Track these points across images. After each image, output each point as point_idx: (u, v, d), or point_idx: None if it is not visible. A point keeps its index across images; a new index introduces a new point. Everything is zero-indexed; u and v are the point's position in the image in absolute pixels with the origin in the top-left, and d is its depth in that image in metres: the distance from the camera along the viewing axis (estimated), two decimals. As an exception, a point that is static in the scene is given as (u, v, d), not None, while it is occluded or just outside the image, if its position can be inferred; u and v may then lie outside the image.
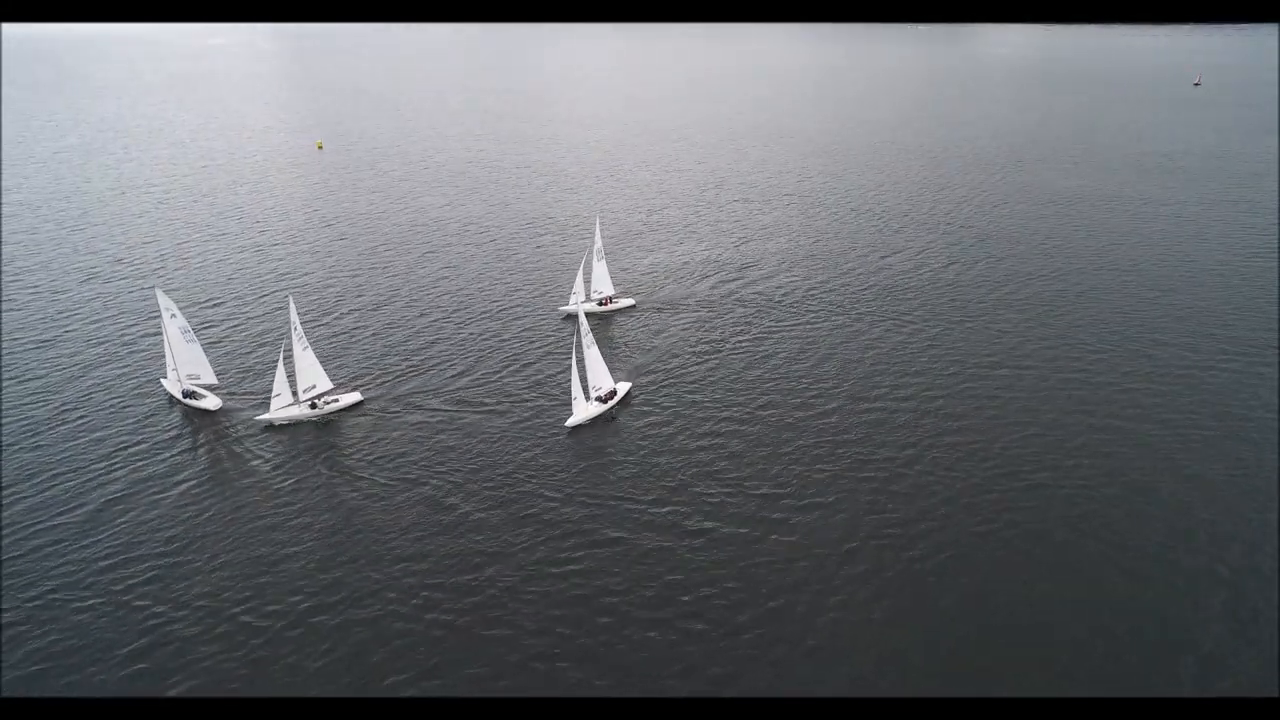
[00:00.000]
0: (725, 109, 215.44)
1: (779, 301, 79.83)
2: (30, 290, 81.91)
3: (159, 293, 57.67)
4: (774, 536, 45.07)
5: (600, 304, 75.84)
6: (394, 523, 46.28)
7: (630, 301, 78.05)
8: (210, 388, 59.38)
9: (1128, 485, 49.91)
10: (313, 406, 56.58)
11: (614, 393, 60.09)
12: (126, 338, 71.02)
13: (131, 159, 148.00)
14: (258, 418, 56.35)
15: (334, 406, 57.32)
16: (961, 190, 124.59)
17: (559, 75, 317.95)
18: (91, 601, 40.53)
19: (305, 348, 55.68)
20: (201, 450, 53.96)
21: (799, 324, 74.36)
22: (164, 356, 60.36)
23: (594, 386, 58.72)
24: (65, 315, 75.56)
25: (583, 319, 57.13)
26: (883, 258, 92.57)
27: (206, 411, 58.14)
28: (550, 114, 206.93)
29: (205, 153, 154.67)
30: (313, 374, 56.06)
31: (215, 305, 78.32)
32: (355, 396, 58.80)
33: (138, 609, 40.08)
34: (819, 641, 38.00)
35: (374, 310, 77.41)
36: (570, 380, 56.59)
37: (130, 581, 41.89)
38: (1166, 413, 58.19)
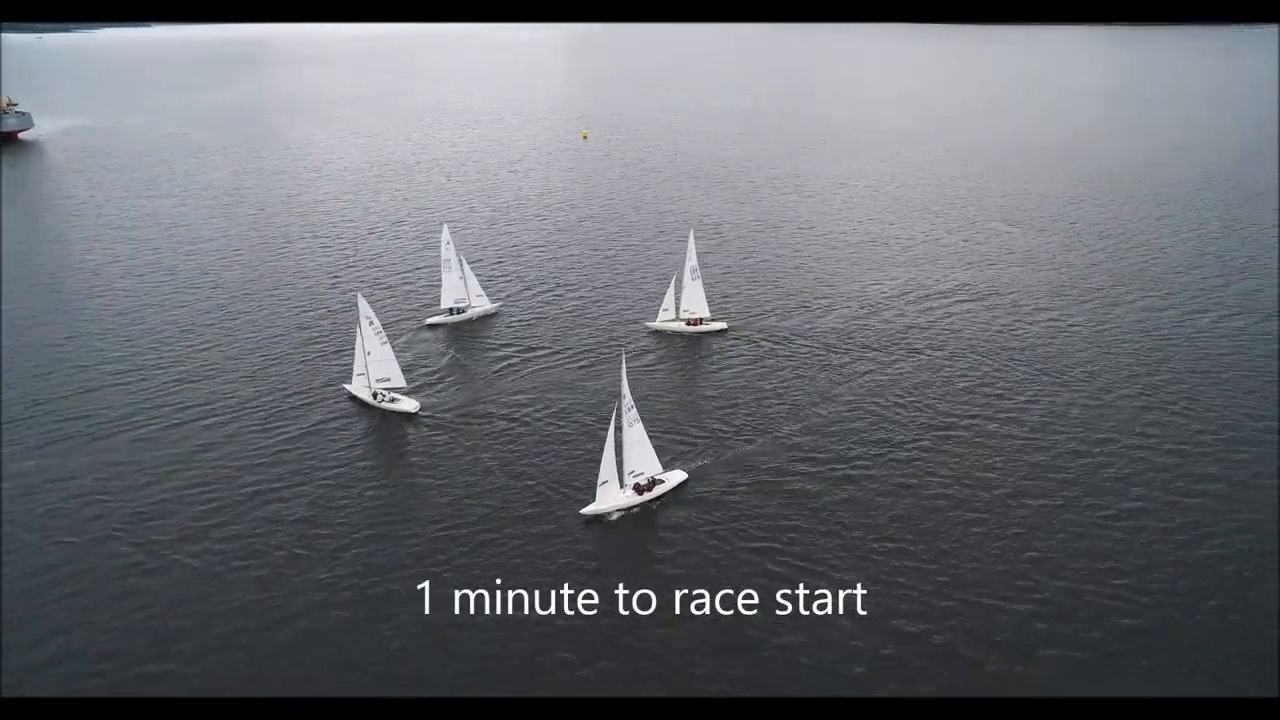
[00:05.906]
0: (1010, 122, 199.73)
1: (937, 346, 68.77)
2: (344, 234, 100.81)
3: (360, 299, 58.05)
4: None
5: (689, 324, 73.04)
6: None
7: (722, 325, 73.42)
8: (401, 390, 59.33)
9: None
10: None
11: (657, 481, 47.93)
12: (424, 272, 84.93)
13: (435, 137, 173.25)
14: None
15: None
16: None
17: (840, 79, 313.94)
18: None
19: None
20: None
21: (970, 384, 61.77)
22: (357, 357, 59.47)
23: (631, 471, 47.23)
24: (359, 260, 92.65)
25: (625, 389, 45.83)
26: (1148, 299, 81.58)
27: (405, 414, 58.11)
28: (812, 118, 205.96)
29: (485, 135, 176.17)
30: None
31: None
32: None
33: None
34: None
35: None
36: (602, 456, 45.54)
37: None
38: None
